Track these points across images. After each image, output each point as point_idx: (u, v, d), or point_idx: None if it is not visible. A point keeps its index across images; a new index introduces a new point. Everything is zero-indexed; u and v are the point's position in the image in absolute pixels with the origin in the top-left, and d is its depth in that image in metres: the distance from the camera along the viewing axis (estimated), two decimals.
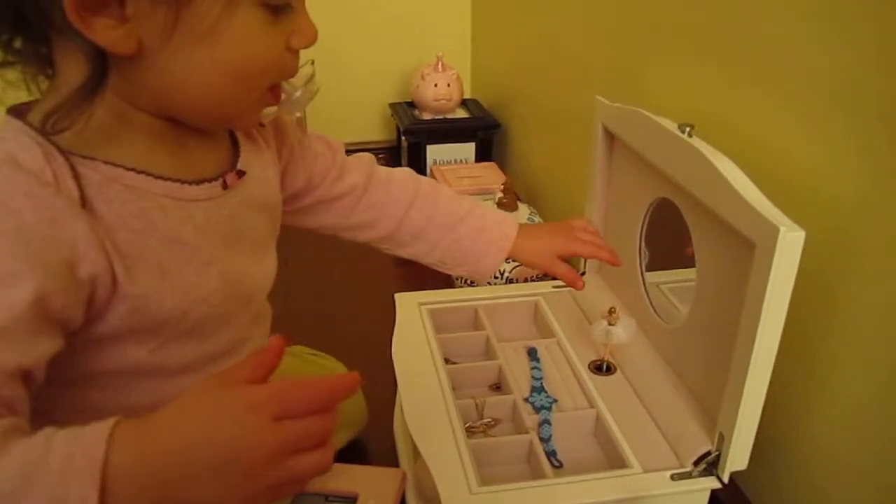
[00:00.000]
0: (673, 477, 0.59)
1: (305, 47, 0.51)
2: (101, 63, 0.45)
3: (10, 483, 0.37)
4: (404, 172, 0.76)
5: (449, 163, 1.49)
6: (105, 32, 0.43)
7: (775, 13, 0.65)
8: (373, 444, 0.83)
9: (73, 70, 0.45)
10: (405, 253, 0.76)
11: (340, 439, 0.79)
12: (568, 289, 0.86)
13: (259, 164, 0.60)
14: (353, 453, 0.81)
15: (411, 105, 1.59)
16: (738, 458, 0.58)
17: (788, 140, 0.65)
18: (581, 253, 0.76)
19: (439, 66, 1.49)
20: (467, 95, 1.66)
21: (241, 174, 0.56)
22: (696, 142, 0.61)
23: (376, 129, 1.77)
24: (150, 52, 0.45)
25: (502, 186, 1.18)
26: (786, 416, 0.68)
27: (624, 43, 0.96)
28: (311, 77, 0.55)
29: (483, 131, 1.50)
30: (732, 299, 0.57)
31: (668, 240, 0.73)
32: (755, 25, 0.68)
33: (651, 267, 0.77)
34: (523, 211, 1.19)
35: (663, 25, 0.86)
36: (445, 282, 1.10)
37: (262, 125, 0.62)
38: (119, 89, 0.47)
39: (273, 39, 0.49)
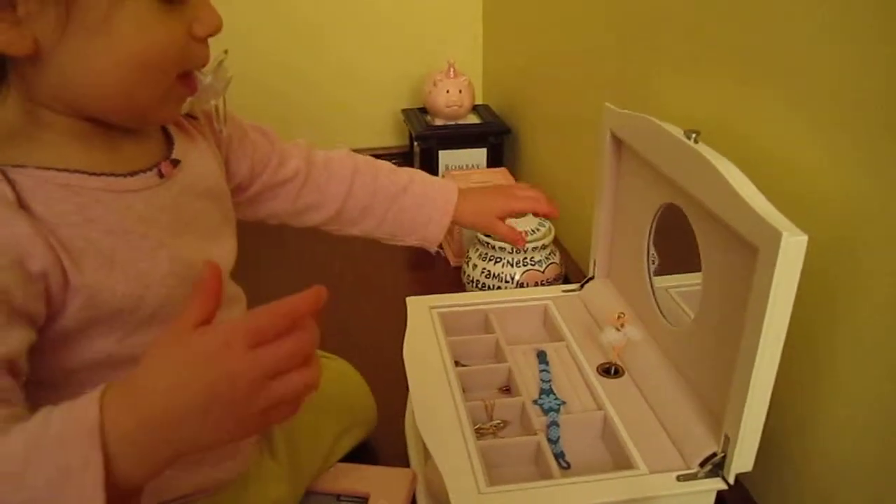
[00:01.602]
0: (679, 478, 0.60)
1: (209, 35, 0.52)
2: (0, 66, 0.47)
3: (15, 462, 0.39)
4: (341, 153, 0.79)
5: (461, 168, 1.50)
6: None
7: (781, 20, 0.66)
8: (384, 446, 0.85)
9: None
10: (357, 230, 0.79)
11: (352, 440, 0.81)
12: (577, 293, 0.88)
13: (196, 154, 0.61)
14: (364, 454, 0.82)
15: (424, 111, 1.60)
16: (743, 460, 0.59)
17: (794, 145, 0.66)
18: (519, 209, 0.81)
19: (451, 72, 1.51)
20: (479, 101, 1.67)
21: (175, 163, 0.58)
22: (702, 148, 0.62)
23: (390, 135, 1.78)
24: (48, 52, 0.47)
25: None
26: (791, 418, 0.68)
27: (632, 49, 0.97)
28: (221, 63, 0.56)
29: (494, 137, 1.51)
30: (737, 303, 0.57)
31: (678, 244, 0.74)
32: (760, 32, 0.69)
33: (661, 271, 0.78)
34: (531, 217, 1.20)
35: (671, 32, 0.86)
36: (458, 287, 1.12)
37: (195, 118, 0.64)
38: (27, 93, 0.49)
39: (170, 28, 0.50)
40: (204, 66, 0.55)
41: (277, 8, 1.58)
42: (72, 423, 0.40)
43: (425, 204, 0.78)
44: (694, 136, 0.63)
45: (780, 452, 0.70)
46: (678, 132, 0.65)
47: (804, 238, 0.51)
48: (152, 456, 0.41)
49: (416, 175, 0.80)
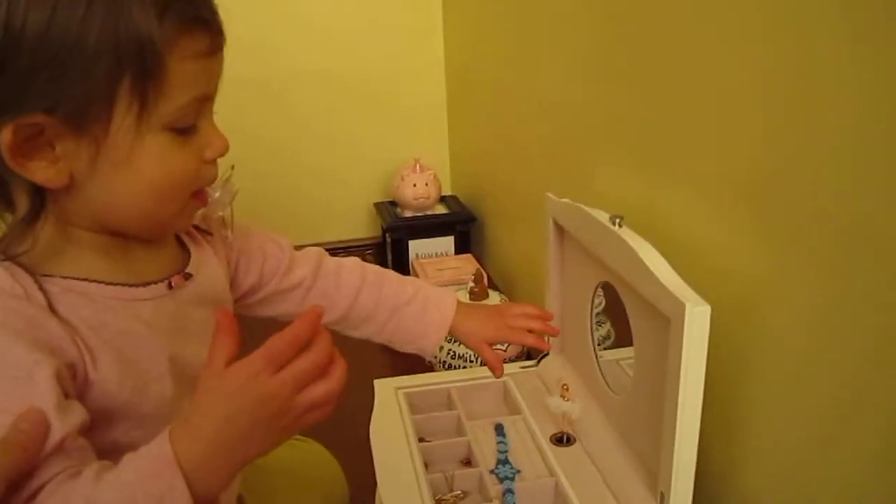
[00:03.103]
0: None
1: (218, 157, 0.60)
2: (40, 196, 0.54)
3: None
4: (353, 262, 0.84)
5: (430, 256, 1.58)
6: (40, 172, 0.52)
7: (688, 123, 0.76)
8: None
9: (22, 204, 0.54)
10: (357, 334, 0.84)
11: None
12: (534, 368, 0.94)
13: (207, 267, 0.68)
14: None
15: (394, 204, 1.70)
16: None
17: (705, 226, 0.75)
18: (508, 340, 0.85)
19: (417, 167, 1.61)
20: (448, 192, 1.78)
21: (187, 276, 0.64)
22: (624, 231, 0.70)
23: (364, 228, 1.87)
24: (81, 183, 0.54)
25: (472, 277, 1.27)
26: (718, 474, 0.74)
27: (573, 144, 1.07)
28: (229, 178, 0.63)
29: (461, 225, 1.60)
30: (663, 370, 0.64)
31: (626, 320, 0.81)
32: (672, 132, 0.79)
33: (616, 345, 0.84)
34: (494, 298, 1.27)
35: (604, 131, 0.97)
36: (427, 367, 1.17)
37: (210, 234, 0.71)
38: (60, 214, 0.56)
39: (185, 156, 0.57)
40: (212, 183, 0.61)
41: (250, 122, 1.68)
42: (151, 462, 0.49)
43: (423, 319, 0.82)
44: (618, 220, 0.71)
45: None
46: (604, 218, 0.73)
47: (707, 308, 0.58)
48: (220, 472, 0.50)
49: (421, 289, 0.84)
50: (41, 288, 0.54)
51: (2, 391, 0.50)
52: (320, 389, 0.51)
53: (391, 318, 0.82)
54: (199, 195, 0.61)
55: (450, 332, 0.84)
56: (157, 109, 0.53)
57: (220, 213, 0.67)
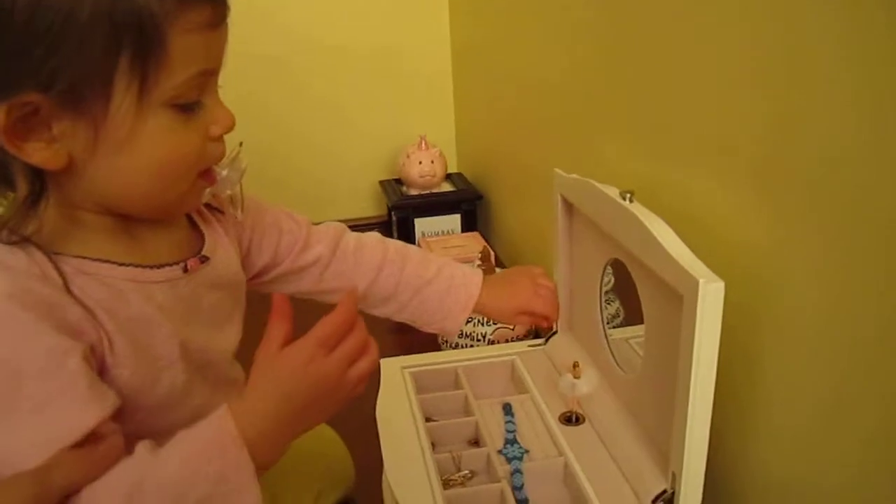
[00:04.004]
0: None
1: (224, 134, 0.57)
2: (39, 178, 0.52)
3: (177, 481, 0.50)
4: (373, 239, 0.82)
5: (436, 234, 1.57)
6: (37, 153, 0.50)
7: (698, 96, 0.74)
8: (363, 502, 0.88)
9: (22, 186, 0.52)
10: (377, 313, 0.82)
11: (332, 498, 0.84)
12: (542, 347, 0.92)
13: (222, 248, 0.66)
14: None
15: (399, 182, 1.68)
16: (691, 495, 0.63)
17: (716, 202, 0.73)
18: (538, 311, 0.83)
19: (422, 144, 1.59)
20: (454, 169, 1.76)
21: (204, 259, 0.63)
22: (635, 206, 0.68)
23: (369, 206, 1.86)
24: (81, 164, 0.52)
25: (479, 255, 1.25)
26: (731, 452, 0.73)
27: (581, 120, 1.05)
28: (237, 156, 0.61)
29: (467, 203, 1.58)
30: (674, 347, 0.62)
31: (636, 298, 0.80)
32: (681, 107, 0.77)
33: (625, 323, 0.83)
34: None
35: (613, 105, 0.95)
36: (435, 347, 1.16)
37: (221, 213, 0.69)
38: (63, 196, 0.54)
39: (189, 135, 0.55)
40: (219, 161, 0.59)
41: (255, 99, 1.67)
42: (214, 438, 0.52)
43: (446, 299, 0.81)
44: (629, 195, 0.69)
45: (725, 485, 0.74)
46: (615, 193, 0.71)
47: (721, 285, 0.56)
48: (277, 446, 0.55)
49: (445, 268, 0.82)
50: (56, 268, 0.53)
51: (33, 384, 0.49)
52: (364, 364, 0.57)
53: (413, 297, 0.81)
54: (206, 174, 0.59)
55: (480, 311, 0.83)
56: (158, 86, 0.51)
57: (229, 192, 0.65)
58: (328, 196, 1.81)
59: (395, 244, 0.83)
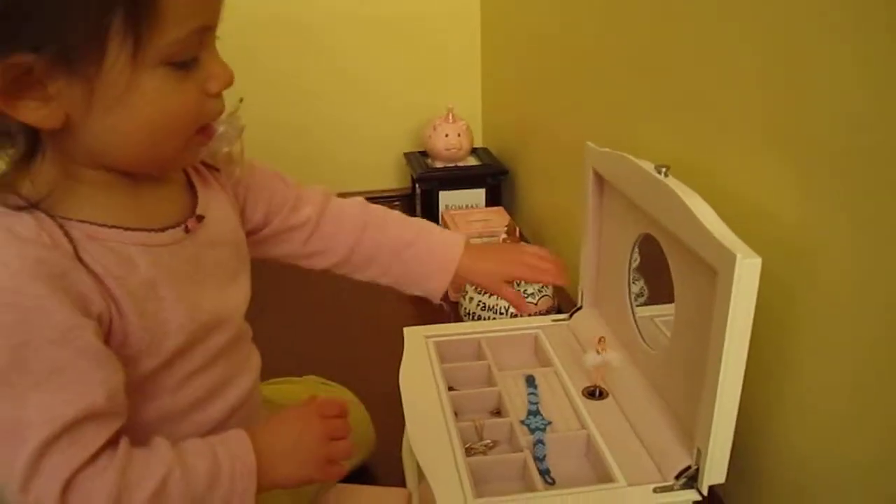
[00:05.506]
0: (655, 490, 0.64)
1: (222, 90, 0.56)
2: (34, 136, 0.52)
3: (202, 484, 0.56)
4: (356, 203, 0.82)
5: (460, 208, 1.56)
6: (32, 113, 0.50)
7: (737, 76, 0.72)
8: (382, 469, 0.89)
9: (19, 141, 0.52)
10: (362, 276, 0.82)
11: (351, 463, 0.84)
12: (566, 322, 0.92)
13: (217, 205, 0.66)
14: (363, 477, 0.86)
15: (424, 154, 1.67)
16: (715, 472, 0.62)
17: (755, 179, 0.71)
18: (525, 278, 0.83)
19: (450, 117, 1.58)
20: (479, 144, 1.74)
21: (200, 219, 0.63)
22: (670, 181, 0.67)
23: (393, 178, 1.85)
24: (77, 123, 0.51)
25: (506, 229, 1.25)
26: (757, 430, 0.72)
27: (614, 95, 1.04)
28: (234, 112, 0.60)
29: (492, 178, 1.57)
30: (705, 324, 0.62)
31: (662, 277, 0.79)
32: (718, 82, 0.75)
33: (649, 302, 0.82)
34: None
35: (647, 80, 0.93)
36: (457, 319, 1.16)
37: (216, 170, 0.69)
38: (61, 153, 0.54)
39: (185, 92, 0.54)
40: (218, 117, 0.58)
41: (283, 67, 1.67)
42: (239, 462, 0.58)
43: (427, 261, 0.80)
44: (664, 170, 0.68)
45: (751, 464, 0.74)
46: (650, 167, 0.70)
47: (758, 261, 0.55)
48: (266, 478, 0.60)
49: (424, 230, 0.82)
50: (66, 234, 0.53)
51: (44, 358, 0.50)
52: (342, 445, 0.65)
53: (394, 260, 0.81)
54: (204, 130, 0.58)
55: (464, 276, 0.82)
56: (152, 44, 0.50)
57: (226, 149, 0.64)
58: (352, 167, 1.80)
59: (377, 208, 0.83)
